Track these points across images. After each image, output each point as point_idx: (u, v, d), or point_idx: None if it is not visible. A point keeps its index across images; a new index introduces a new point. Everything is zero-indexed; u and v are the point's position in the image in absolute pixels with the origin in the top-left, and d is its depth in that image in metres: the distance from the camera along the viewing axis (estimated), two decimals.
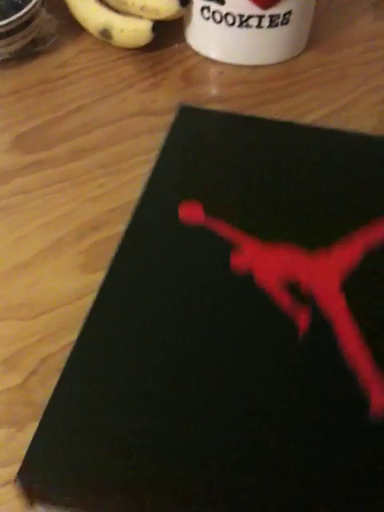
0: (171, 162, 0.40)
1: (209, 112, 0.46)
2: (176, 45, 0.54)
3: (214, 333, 0.31)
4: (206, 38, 0.52)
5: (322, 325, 0.31)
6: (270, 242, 0.34)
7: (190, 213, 0.36)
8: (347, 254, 0.34)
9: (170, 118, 0.49)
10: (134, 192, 0.44)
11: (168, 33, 0.54)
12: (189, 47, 0.54)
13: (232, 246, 0.35)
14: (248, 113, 0.49)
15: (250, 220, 0.36)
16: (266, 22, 0.48)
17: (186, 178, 0.39)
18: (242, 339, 0.31)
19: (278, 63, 0.53)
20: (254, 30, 0.49)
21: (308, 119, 0.49)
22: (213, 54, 0.53)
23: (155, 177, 0.39)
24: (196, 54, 0.53)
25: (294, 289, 0.32)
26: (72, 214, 0.43)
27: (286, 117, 0.49)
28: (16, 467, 0.27)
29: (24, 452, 0.28)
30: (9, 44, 0.50)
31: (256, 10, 0.47)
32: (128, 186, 0.45)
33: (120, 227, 0.39)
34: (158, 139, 0.47)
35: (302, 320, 0.31)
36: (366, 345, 0.30)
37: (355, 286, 0.32)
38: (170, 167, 0.40)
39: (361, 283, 0.33)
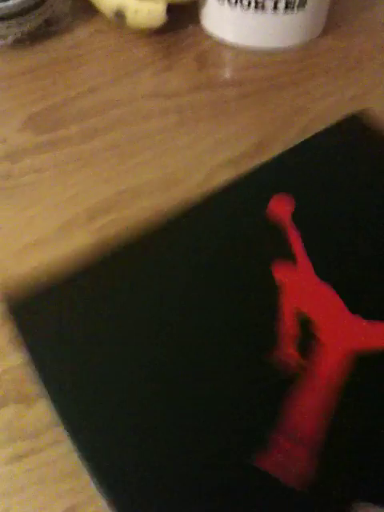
0: (303, 156, 0.39)
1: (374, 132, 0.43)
2: (190, 27, 0.53)
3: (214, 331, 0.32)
4: (221, 21, 0.51)
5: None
6: (321, 279, 0.34)
7: (279, 208, 0.36)
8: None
9: (182, 100, 0.49)
10: (145, 173, 0.44)
11: (183, 15, 0.53)
12: (203, 30, 0.53)
13: (289, 258, 0.34)
14: (261, 96, 0.49)
15: (322, 256, 0.35)
16: (281, 5, 0.48)
17: (301, 179, 0.38)
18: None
19: (295, 48, 0.52)
20: (269, 14, 0.49)
21: (322, 105, 0.49)
22: (227, 37, 0.52)
23: (281, 159, 0.38)
24: (210, 36, 0.53)
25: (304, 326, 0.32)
26: (83, 194, 0.43)
27: (302, 102, 0.49)
28: (27, 443, 0.27)
29: (34, 429, 0.28)
30: (22, 23, 0.49)
31: None
32: (139, 168, 0.45)
33: (131, 208, 0.39)
34: (171, 121, 0.48)
35: (290, 358, 0.31)
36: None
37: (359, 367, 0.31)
38: (296, 160, 0.39)
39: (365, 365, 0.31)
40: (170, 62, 0.51)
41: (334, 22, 0.54)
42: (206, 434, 0.28)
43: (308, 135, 0.47)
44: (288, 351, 0.31)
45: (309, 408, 0.29)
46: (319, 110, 0.48)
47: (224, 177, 0.44)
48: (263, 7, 0.48)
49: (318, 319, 0.32)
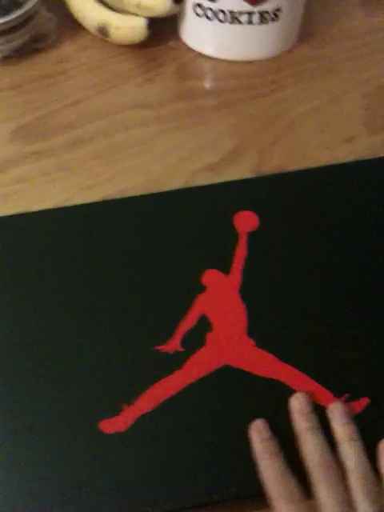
0: None
1: None
2: (171, 42, 0.56)
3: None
4: (199, 34, 0.54)
5: None
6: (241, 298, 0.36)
7: (242, 221, 0.39)
8: None
9: (163, 110, 0.51)
10: (128, 180, 0.46)
11: (163, 30, 0.56)
12: (183, 44, 0.56)
13: (226, 268, 0.37)
14: (239, 105, 0.51)
15: None
16: (256, 18, 0.50)
17: (275, 204, 0.40)
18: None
19: (270, 58, 0.55)
20: (245, 27, 0.51)
21: (297, 112, 0.51)
22: (206, 50, 0.54)
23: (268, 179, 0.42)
24: (190, 50, 0.55)
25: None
26: (68, 202, 0.45)
27: (278, 109, 0.51)
28: None
29: None
30: (9, 41, 0.52)
31: (246, 7, 0.49)
32: (122, 175, 0.47)
33: None
34: (152, 130, 0.50)
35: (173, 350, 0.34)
36: None
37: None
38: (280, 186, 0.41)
39: None
40: (152, 74, 0.54)
41: (307, 32, 0.56)
42: (67, 397, 0.32)
43: (283, 141, 0.49)
44: (174, 345, 0.34)
45: (162, 390, 0.33)
46: (294, 116, 0.51)
47: (203, 182, 0.46)
48: (239, 20, 0.50)
49: (216, 328, 0.35)
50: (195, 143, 0.49)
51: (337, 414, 0.32)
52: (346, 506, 0.29)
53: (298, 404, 0.32)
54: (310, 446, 0.31)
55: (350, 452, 0.31)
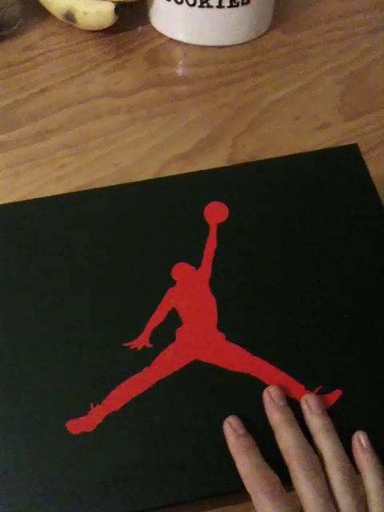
0: None
1: None
2: (140, 27, 0.54)
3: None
4: (169, 19, 0.52)
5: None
6: (211, 290, 0.35)
7: (211, 213, 0.37)
8: None
9: (133, 98, 0.50)
10: (98, 171, 0.45)
11: (132, 15, 0.54)
12: (153, 29, 0.54)
13: (196, 260, 0.36)
14: (211, 93, 0.50)
15: None
16: (226, 1, 0.49)
17: (245, 195, 0.39)
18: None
19: (242, 43, 0.53)
20: (215, 10, 0.50)
21: (270, 98, 0.50)
22: (176, 35, 0.53)
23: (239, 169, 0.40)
24: (160, 35, 0.54)
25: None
26: (36, 194, 0.43)
27: (251, 96, 0.50)
28: None
29: None
30: None
31: None
32: (92, 166, 0.45)
33: None
34: (122, 119, 0.48)
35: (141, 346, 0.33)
36: None
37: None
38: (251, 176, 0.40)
39: None
40: (121, 61, 0.52)
41: (280, 17, 0.55)
42: (34, 398, 0.32)
43: (256, 129, 0.48)
44: (143, 341, 0.33)
45: (130, 388, 0.32)
46: (267, 104, 0.50)
47: (175, 171, 0.45)
48: (208, 4, 0.49)
49: (186, 322, 0.34)
50: (167, 132, 0.48)
51: (311, 404, 0.31)
52: (326, 497, 0.28)
53: (270, 397, 0.32)
54: (287, 438, 0.30)
55: (326, 442, 0.30)
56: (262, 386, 0.32)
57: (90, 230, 0.36)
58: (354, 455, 0.31)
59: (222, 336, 0.33)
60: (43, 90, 0.50)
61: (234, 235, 0.36)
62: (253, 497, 0.29)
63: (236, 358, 0.32)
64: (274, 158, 0.40)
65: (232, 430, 0.31)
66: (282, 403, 0.32)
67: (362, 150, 0.39)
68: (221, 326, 0.33)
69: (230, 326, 0.33)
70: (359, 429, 0.31)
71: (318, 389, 0.32)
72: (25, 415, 0.31)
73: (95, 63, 0.52)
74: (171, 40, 0.53)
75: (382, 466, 0.30)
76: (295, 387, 0.32)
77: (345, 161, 0.39)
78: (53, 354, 0.33)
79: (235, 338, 0.33)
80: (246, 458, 0.30)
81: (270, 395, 0.32)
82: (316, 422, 0.31)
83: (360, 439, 0.31)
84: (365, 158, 0.39)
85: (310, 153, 0.40)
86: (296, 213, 0.37)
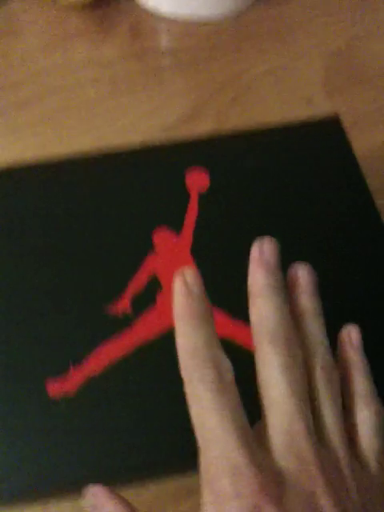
0: None
1: None
2: (123, 0, 0.53)
3: None
4: None
5: None
6: (192, 257, 0.35)
7: (193, 180, 0.37)
8: None
9: (116, 69, 0.49)
10: (79, 142, 0.45)
11: None
12: (136, 3, 0.53)
13: (177, 227, 0.35)
14: (195, 65, 0.50)
15: None
16: None
17: (228, 165, 0.38)
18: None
19: (227, 18, 0.53)
20: None
21: (254, 72, 0.49)
22: (160, 9, 0.52)
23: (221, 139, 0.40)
24: (143, 8, 0.53)
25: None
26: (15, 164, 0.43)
27: (234, 70, 0.50)
28: None
29: None
30: None
31: None
32: (73, 137, 0.45)
33: None
34: (105, 90, 0.48)
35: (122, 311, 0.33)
36: None
37: None
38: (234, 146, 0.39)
39: None
40: (104, 33, 0.51)
41: None
42: (12, 356, 0.31)
43: (240, 103, 0.47)
44: (124, 305, 0.33)
45: (110, 350, 0.31)
46: (251, 77, 0.49)
47: (158, 143, 0.44)
48: None
49: (166, 288, 0.33)
50: (150, 104, 0.47)
51: (302, 282, 0.23)
52: (302, 398, 0.20)
53: (260, 251, 0.23)
54: (265, 308, 0.21)
55: (314, 328, 0.23)
56: (245, 352, 0.32)
57: (70, 198, 0.36)
58: (340, 352, 0.24)
59: None
60: (24, 60, 0.49)
61: (215, 203, 0.36)
62: (187, 387, 0.21)
63: (217, 323, 0.32)
64: (256, 129, 0.39)
65: (184, 284, 0.22)
66: (272, 261, 0.23)
67: (346, 124, 0.39)
68: None
69: (211, 292, 0.33)
70: None
71: None
72: (2, 376, 0.31)
73: (77, 34, 0.51)
74: (154, 13, 0.53)
75: (370, 368, 0.24)
76: None
77: (326, 132, 0.39)
78: (34, 314, 0.32)
79: (216, 303, 0.33)
80: (191, 329, 0.22)
81: (259, 249, 0.23)
82: (306, 301, 0.23)
83: (350, 334, 0.24)
84: (349, 132, 0.38)
85: (292, 124, 0.40)
86: (276, 184, 0.37)
